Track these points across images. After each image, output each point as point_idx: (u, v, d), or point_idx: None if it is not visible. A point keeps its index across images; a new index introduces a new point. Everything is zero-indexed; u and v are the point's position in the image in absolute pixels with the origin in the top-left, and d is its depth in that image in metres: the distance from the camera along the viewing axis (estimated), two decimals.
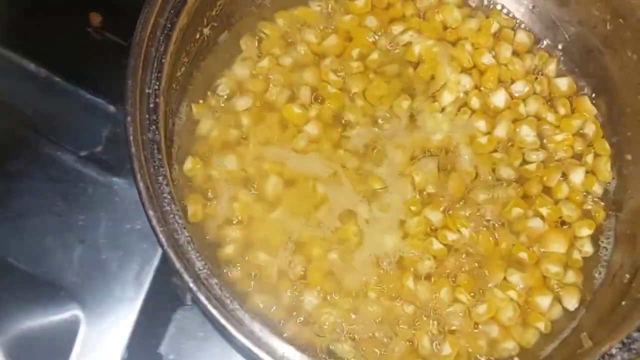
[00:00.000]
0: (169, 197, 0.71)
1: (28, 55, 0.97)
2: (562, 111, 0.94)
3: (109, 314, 0.89)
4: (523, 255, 0.86)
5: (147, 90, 0.75)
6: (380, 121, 0.92)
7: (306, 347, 0.81)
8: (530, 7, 0.98)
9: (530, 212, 0.88)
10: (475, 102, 0.93)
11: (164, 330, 0.92)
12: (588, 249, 0.88)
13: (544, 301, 0.85)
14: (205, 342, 0.92)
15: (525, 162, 0.91)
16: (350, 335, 0.83)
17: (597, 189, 0.91)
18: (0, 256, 0.89)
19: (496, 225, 0.88)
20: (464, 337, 0.83)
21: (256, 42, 0.95)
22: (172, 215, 0.70)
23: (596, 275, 0.88)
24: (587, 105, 0.94)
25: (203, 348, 0.92)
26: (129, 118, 0.72)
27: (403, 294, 0.84)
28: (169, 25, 0.78)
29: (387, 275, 0.85)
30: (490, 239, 0.87)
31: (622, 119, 0.92)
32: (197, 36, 0.88)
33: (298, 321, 0.83)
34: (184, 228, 0.70)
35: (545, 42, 0.98)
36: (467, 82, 0.94)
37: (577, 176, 0.90)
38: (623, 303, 0.80)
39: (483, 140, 0.91)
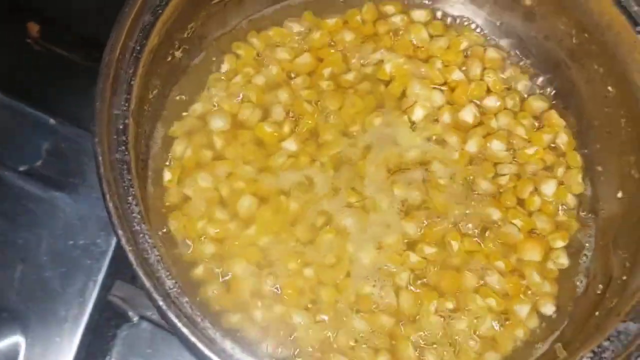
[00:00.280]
0: (139, 216, 0.71)
1: None
2: (532, 125, 0.95)
3: (52, 334, 0.88)
4: (500, 264, 0.86)
5: (115, 112, 0.75)
6: (354, 138, 0.92)
7: None
8: (498, 24, 0.99)
9: (506, 222, 0.89)
10: (446, 118, 0.94)
11: (110, 348, 0.91)
12: (563, 260, 0.89)
13: (522, 310, 0.85)
14: (153, 358, 0.91)
15: (497, 175, 0.92)
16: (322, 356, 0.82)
17: (571, 201, 0.92)
18: None
19: (474, 235, 0.88)
20: (446, 349, 0.83)
21: (229, 63, 0.96)
22: (141, 235, 0.70)
23: (578, 284, 0.88)
24: (557, 118, 0.95)
25: None
26: (96, 139, 0.72)
27: (382, 308, 0.84)
28: (138, 48, 0.78)
29: (365, 289, 0.85)
30: (468, 249, 0.87)
31: (591, 131, 0.93)
32: (169, 59, 0.89)
33: (274, 339, 0.83)
34: (154, 247, 0.70)
35: (515, 58, 0.99)
36: (438, 98, 0.94)
37: (549, 188, 0.91)
38: (597, 313, 0.80)
39: (455, 155, 0.92)
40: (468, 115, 0.94)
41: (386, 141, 0.92)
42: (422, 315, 0.84)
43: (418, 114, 0.93)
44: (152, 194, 0.87)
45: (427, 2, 1.01)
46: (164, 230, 0.86)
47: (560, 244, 0.89)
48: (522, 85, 0.97)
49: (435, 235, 0.87)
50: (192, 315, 0.68)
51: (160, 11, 0.81)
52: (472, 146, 0.92)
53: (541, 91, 0.97)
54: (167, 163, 0.90)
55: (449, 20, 1.02)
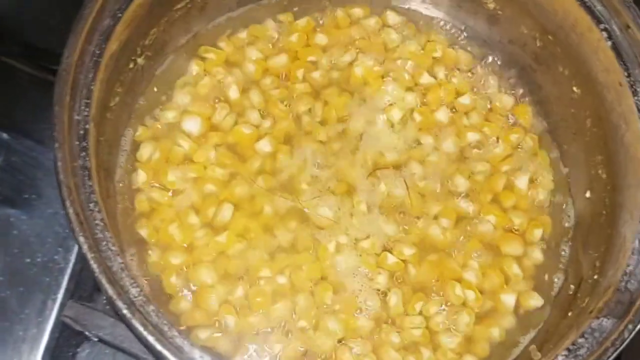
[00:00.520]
0: (102, 224, 0.69)
1: None
2: (502, 125, 0.95)
3: (10, 356, 0.85)
4: (477, 260, 0.87)
5: (76, 117, 0.73)
6: (330, 140, 0.92)
7: None
8: (463, 28, 1.00)
9: (482, 219, 0.89)
10: (420, 119, 0.93)
11: None
12: (537, 255, 0.89)
13: (508, 299, 0.85)
14: None
15: (472, 173, 0.91)
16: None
17: (542, 199, 0.92)
18: None
19: (451, 230, 0.88)
20: (427, 349, 0.82)
21: (198, 67, 0.94)
22: (104, 243, 0.68)
23: (555, 280, 0.88)
24: (526, 118, 0.95)
25: None
26: (57, 144, 0.70)
27: (361, 310, 0.83)
28: (98, 52, 0.76)
29: (342, 294, 0.84)
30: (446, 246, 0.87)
31: (558, 132, 0.94)
32: (131, 66, 0.87)
33: (249, 350, 0.81)
34: (118, 255, 0.68)
35: (484, 61, 0.99)
36: (411, 99, 0.94)
37: (522, 183, 0.91)
38: (570, 314, 0.80)
39: (433, 156, 0.91)
40: (442, 116, 0.94)
41: (362, 143, 0.92)
42: (401, 315, 0.83)
43: (393, 115, 0.93)
44: (120, 202, 0.86)
45: (394, 3, 1.01)
46: (134, 238, 0.85)
47: (536, 236, 0.89)
48: (491, 86, 0.97)
49: (414, 234, 0.87)
50: (159, 323, 0.66)
51: (120, 15, 0.79)
52: (447, 145, 0.92)
53: (510, 92, 0.97)
54: (133, 167, 0.88)
55: (420, 22, 1.01)
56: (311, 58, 0.96)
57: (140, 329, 0.64)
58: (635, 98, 0.78)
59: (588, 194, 0.88)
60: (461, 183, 0.90)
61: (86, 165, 0.71)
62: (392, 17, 1.00)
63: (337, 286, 0.84)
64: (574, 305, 0.81)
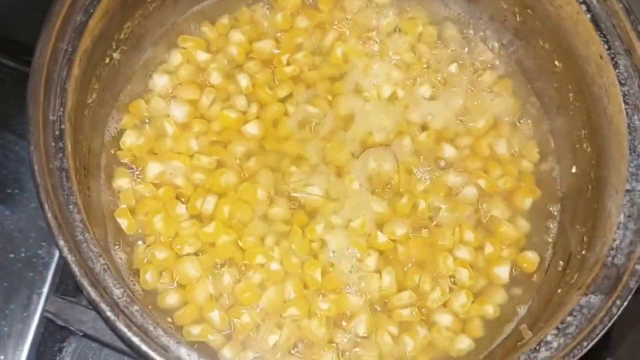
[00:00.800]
0: (82, 225, 0.68)
1: None
2: (486, 98, 0.94)
3: None
4: (470, 235, 0.86)
5: (51, 117, 0.72)
6: (317, 120, 0.91)
7: None
8: (444, 6, 0.98)
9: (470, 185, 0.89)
10: (405, 95, 0.93)
11: None
12: (522, 224, 0.89)
13: (502, 271, 0.85)
14: None
15: (458, 146, 0.91)
16: (298, 352, 0.81)
17: (528, 172, 0.92)
18: None
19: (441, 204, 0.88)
20: (421, 330, 0.82)
21: (181, 55, 0.93)
22: (85, 244, 0.67)
23: (547, 256, 0.88)
24: (509, 92, 0.95)
25: None
26: (32, 146, 0.69)
27: (354, 293, 0.83)
28: (70, 49, 0.75)
29: (333, 274, 0.83)
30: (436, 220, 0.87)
31: (542, 108, 0.93)
32: (107, 61, 0.86)
33: (239, 345, 0.81)
34: (99, 256, 0.67)
35: (465, 38, 0.98)
36: (396, 75, 0.94)
37: (501, 148, 0.91)
38: (559, 291, 0.80)
39: (422, 136, 0.91)
40: (426, 91, 0.93)
41: (351, 121, 0.91)
42: (394, 294, 0.83)
43: (381, 92, 0.92)
44: (103, 199, 0.85)
45: None
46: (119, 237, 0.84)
47: (526, 205, 0.89)
48: (473, 61, 0.96)
49: (405, 212, 0.86)
50: (144, 323, 0.65)
51: (92, 10, 0.77)
52: (435, 122, 0.92)
53: (492, 68, 0.96)
54: (116, 162, 0.87)
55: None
56: (297, 40, 0.95)
57: (125, 330, 0.64)
58: (617, 70, 0.77)
59: (574, 169, 0.87)
60: (449, 154, 0.90)
61: (63, 166, 0.70)
62: None
63: (327, 266, 0.83)
64: (563, 281, 0.80)
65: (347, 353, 0.81)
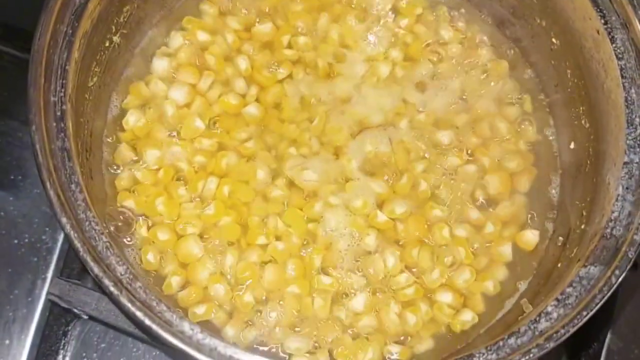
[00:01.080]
0: (84, 204, 0.69)
1: None
2: (485, 77, 0.94)
3: (1, 337, 0.87)
4: (475, 213, 0.87)
5: (52, 99, 0.72)
6: (317, 101, 0.91)
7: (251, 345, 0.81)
8: None
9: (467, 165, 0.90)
10: (404, 75, 0.93)
11: (64, 345, 0.90)
12: (522, 201, 0.89)
13: (504, 249, 0.86)
14: (108, 353, 0.90)
15: (456, 126, 0.92)
16: (298, 329, 0.81)
17: (527, 149, 0.92)
18: None
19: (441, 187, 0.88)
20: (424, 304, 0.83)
21: (182, 37, 0.93)
22: (87, 222, 0.68)
23: (547, 232, 0.89)
24: (505, 71, 0.95)
25: (106, 359, 0.90)
26: (33, 127, 0.69)
27: (356, 271, 0.84)
28: (70, 31, 0.75)
29: (336, 254, 0.84)
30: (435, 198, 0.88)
31: (540, 86, 0.93)
32: (107, 44, 0.86)
33: (242, 323, 0.82)
34: (102, 234, 0.68)
35: (462, 18, 0.98)
36: (396, 54, 0.94)
37: (500, 127, 0.91)
38: (559, 265, 0.80)
39: (421, 116, 0.91)
40: (425, 70, 0.94)
41: (349, 102, 0.92)
42: (395, 274, 0.83)
43: (379, 71, 0.93)
44: (105, 181, 0.86)
45: None
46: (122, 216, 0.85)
47: (525, 182, 0.89)
48: (472, 42, 0.97)
49: (403, 191, 0.87)
50: (147, 299, 0.66)
51: None
52: (433, 102, 0.92)
53: (490, 47, 0.97)
54: (118, 146, 0.88)
55: None
56: (298, 23, 0.95)
57: (129, 305, 0.64)
58: (614, 45, 0.77)
59: (572, 145, 0.88)
60: (447, 133, 0.90)
61: (65, 146, 0.71)
62: None
63: (326, 246, 0.84)
64: (563, 256, 0.81)
65: (349, 330, 0.81)
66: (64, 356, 0.90)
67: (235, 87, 0.91)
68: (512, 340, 0.66)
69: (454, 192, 0.88)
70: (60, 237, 0.91)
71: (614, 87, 0.77)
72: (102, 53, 0.85)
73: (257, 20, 0.96)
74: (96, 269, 0.65)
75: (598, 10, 0.78)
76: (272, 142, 0.89)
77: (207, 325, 0.80)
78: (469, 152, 0.90)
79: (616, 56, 0.77)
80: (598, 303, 0.67)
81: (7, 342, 0.87)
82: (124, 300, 0.64)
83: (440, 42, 0.95)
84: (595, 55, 0.80)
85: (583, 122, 0.85)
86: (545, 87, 0.93)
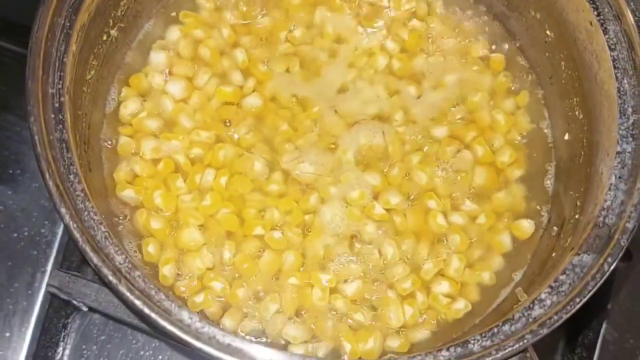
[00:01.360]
0: (82, 194, 0.69)
1: None
2: (480, 70, 0.95)
3: (1, 330, 0.87)
4: (471, 204, 0.88)
5: (50, 90, 0.73)
6: (314, 93, 0.92)
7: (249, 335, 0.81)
8: None
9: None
10: (401, 67, 0.94)
11: (64, 338, 0.91)
12: (517, 192, 0.90)
13: (503, 239, 0.87)
14: (108, 345, 0.91)
15: (452, 118, 0.92)
16: (298, 319, 0.82)
17: (522, 141, 0.93)
18: None
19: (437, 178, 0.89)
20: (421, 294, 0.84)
21: (179, 30, 0.94)
22: (86, 213, 0.69)
23: (542, 222, 0.89)
24: (501, 65, 0.96)
25: (106, 351, 0.91)
26: (32, 118, 0.70)
27: (354, 263, 0.85)
28: (68, 24, 0.76)
29: (333, 247, 0.85)
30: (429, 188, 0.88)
31: (535, 78, 0.94)
32: (105, 38, 0.87)
33: (240, 314, 0.82)
34: (100, 224, 0.68)
35: (456, 12, 0.99)
36: (392, 47, 0.95)
37: (495, 119, 0.92)
38: (553, 254, 0.81)
39: (416, 108, 0.92)
40: (420, 62, 0.95)
41: (345, 94, 0.93)
42: (393, 264, 0.84)
43: (376, 63, 0.94)
44: (104, 174, 0.87)
45: None
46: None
47: (517, 174, 0.90)
48: (466, 35, 0.97)
49: (397, 182, 0.87)
50: (146, 288, 0.67)
51: None
52: (429, 96, 0.93)
53: (485, 40, 0.97)
54: (116, 138, 0.89)
55: None
56: (295, 16, 0.96)
57: (127, 294, 0.65)
58: (606, 36, 0.78)
59: (567, 136, 0.88)
60: (443, 125, 0.91)
61: (63, 137, 0.71)
62: None
63: (326, 240, 0.85)
64: (557, 245, 0.82)
65: (348, 320, 0.82)
66: (64, 348, 0.91)
67: (233, 80, 0.92)
68: (506, 327, 0.67)
69: (449, 183, 0.88)
70: (60, 231, 0.92)
71: (607, 78, 0.78)
72: (100, 46, 0.86)
73: (255, 13, 0.96)
74: (95, 259, 0.65)
75: (591, 2, 0.79)
76: (268, 134, 0.90)
77: (204, 316, 0.81)
78: (464, 143, 0.90)
79: (609, 47, 0.78)
80: (591, 290, 0.68)
81: (7, 334, 0.88)
82: (122, 289, 0.65)
83: (435, 35, 0.96)
84: (588, 47, 0.81)
85: (577, 113, 0.86)
86: (540, 79, 0.94)
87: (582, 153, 0.84)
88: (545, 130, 0.93)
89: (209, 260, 0.83)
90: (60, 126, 0.72)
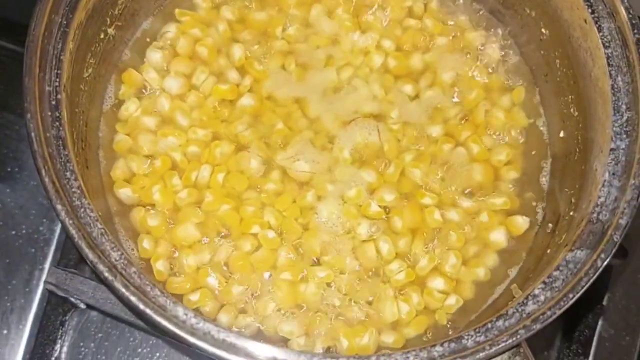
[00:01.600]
0: (79, 191, 0.70)
1: None
2: (475, 68, 0.95)
3: None
4: (466, 201, 0.88)
5: (47, 88, 0.73)
6: (309, 91, 0.92)
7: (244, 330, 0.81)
8: None
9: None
10: (397, 65, 0.94)
11: (61, 336, 0.91)
12: (513, 189, 0.90)
13: (497, 236, 0.87)
14: (105, 342, 0.91)
15: (447, 119, 0.93)
16: (293, 314, 0.82)
17: (517, 138, 0.93)
18: None
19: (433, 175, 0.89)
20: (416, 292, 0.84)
21: (176, 28, 0.94)
22: (82, 209, 0.69)
23: (537, 219, 0.90)
24: (496, 62, 0.96)
25: (103, 349, 0.91)
26: (28, 115, 0.71)
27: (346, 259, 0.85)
28: (65, 22, 0.76)
29: (330, 244, 0.85)
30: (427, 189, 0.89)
31: (530, 76, 0.95)
32: (102, 36, 0.87)
33: (235, 310, 0.82)
34: (97, 221, 0.69)
35: (454, 8, 0.99)
36: (388, 44, 0.95)
37: (491, 117, 0.92)
38: (548, 251, 0.81)
39: (412, 105, 0.93)
40: (417, 60, 0.95)
41: (339, 93, 0.93)
42: (389, 261, 0.85)
43: (372, 62, 0.94)
44: (102, 172, 0.87)
45: None
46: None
47: (513, 171, 0.90)
48: (463, 33, 0.97)
49: (393, 179, 0.88)
50: (142, 284, 0.67)
51: None
52: (428, 93, 0.93)
53: (480, 39, 0.97)
54: (113, 136, 0.89)
55: None
56: (290, 13, 0.96)
57: (123, 290, 0.65)
58: (600, 34, 0.78)
59: (562, 134, 0.89)
60: (439, 123, 0.92)
61: (60, 135, 0.72)
62: None
63: (319, 235, 0.85)
64: (552, 242, 0.82)
65: (340, 317, 0.82)
66: (62, 346, 0.91)
67: (229, 79, 0.92)
68: (500, 322, 0.68)
69: (445, 179, 0.89)
70: (57, 229, 0.93)
71: (601, 75, 0.78)
72: (97, 45, 0.86)
73: (250, 9, 0.97)
74: (91, 255, 0.66)
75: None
76: (265, 132, 0.90)
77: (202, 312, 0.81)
78: (459, 141, 0.91)
79: (603, 45, 0.78)
80: (584, 286, 0.68)
81: (5, 332, 0.89)
82: (118, 286, 0.65)
83: (430, 33, 0.96)
84: (583, 45, 0.81)
85: (572, 110, 0.86)
86: (535, 77, 0.94)
87: (577, 150, 0.84)
88: (541, 128, 0.94)
89: (205, 257, 0.83)
90: (57, 123, 0.72)
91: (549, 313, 0.67)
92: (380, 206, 0.86)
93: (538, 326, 0.67)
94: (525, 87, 0.95)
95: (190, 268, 0.83)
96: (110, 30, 0.88)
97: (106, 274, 0.66)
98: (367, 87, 0.93)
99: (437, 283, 0.84)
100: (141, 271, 0.67)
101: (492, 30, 0.97)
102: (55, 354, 0.91)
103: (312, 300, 0.82)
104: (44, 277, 0.90)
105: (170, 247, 0.84)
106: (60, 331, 0.92)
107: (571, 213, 0.80)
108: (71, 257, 0.91)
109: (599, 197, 0.73)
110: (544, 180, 0.91)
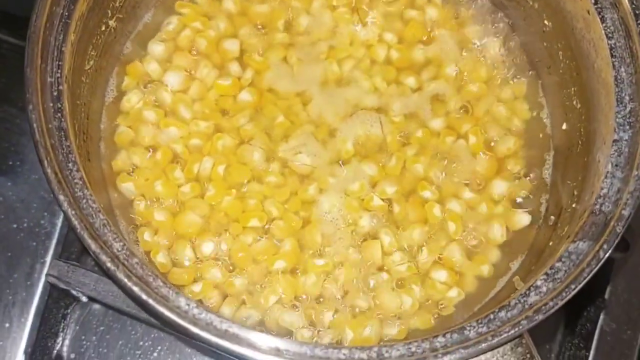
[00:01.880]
0: (81, 182, 0.70)
1: None
2: (478, 60, 0.95)
3: (1, 320, 0.88)
4: (468, 194, 0.88)
5: (49, 79, 0.73)
6: (311, 83, 0.92)
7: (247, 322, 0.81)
8: None
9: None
10: (399, 57, 0.94)
11: (63, 328, 0.91)
12: (515, 182, 0.90)
13: (496, 231, 0.87)
14: (107, 335, 0.91)
15: (450, 108, 0.92)
16: (296, 305, 0.83)
17: (520, 130, 0.93)
18: None
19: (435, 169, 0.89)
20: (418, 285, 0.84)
21: (178, 21, 0.94)
22: (85, 200, 0.69)
23: (539, 212, 0.90)
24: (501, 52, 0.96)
25: (105, 342, 0.91)
26: (30, 106, 0.70)
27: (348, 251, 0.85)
28: (66, 14, 0.76)
29: (330, 236, 0.85)
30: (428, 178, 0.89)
31: (533, 68, 0.94)
32: (103, 28, 0.87)
33: (238, 302, 0.83)
34: (99, 212, 0.69)
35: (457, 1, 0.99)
36: (390, 37, 0.95)
37: (494, 109, 0.92)
38: (550, 244, 0.81)
39: (414, 97, 0.92)
40: (419, 53, 0.94)
41: (341, 86, 0.93)
42: (390, 253, 0.85)
43: (373, 55, 0.94)
44: (103, 165, 0.87)
45: None
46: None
47: (516, 163, 0.90)
48: (464, 24, 0.97)
49: (395, 173, 0.88)
50: (144, 275, 0.67)
51: None
52: (430, 86, 0.93)
53: (483, 31, 0.97)
54: (114, 129, 0.89)
55: None
56: (295, 3, 0.96)
57: (125, 280, 0.65)
58: (604, 25, 0.78)
59: (564, 126, 0.89)
60: (441, 114, 0.92)
61: (62, 126, 0.72)
62: None
63: (321, 229, 0.85)
64: (554, 235, 0.82)
65: (344, 307, 0.82)
66: (64, 339, 0.91)
67: (230, 71, 0.92)
68: (502, 313, 0.68)
69: (447, 172, 0.89)
70: (59, 222, 0.93)
71: (604, 66, 0.78)
72: (99, 37, 0.86)
73: (252, 1, 0.96)
74: (93, 246, 0.66)
75: None
76: (266, 125, 0.90)
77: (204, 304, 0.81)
78: (462, 133, 0.90)
79: (606, 36, 0.78)
80: (586, 277, 0.68)
81: (7, 325, 0.89)
82: (120, 276, 0.65)
83: (433, 25, 0.96)
84: (586, 36, 0.81)
85: (575, 102, 0.86)
86: (538, 69, 0.94)
87: (580, 142, 0.84)
88: (545, 120, 0.94)
89: (207, 249, 0.83)
90: (59, 114, 0.72)
91: (551, 304, 0.67)
92: (382, 199, 0.86)
93: (540, 317, 0.67)
94: (527, 79, 0.94)
95: (192, 260, 0.83)
96: (112, 23, 0.88)
97: (109, 265, 0.66)
98: (369, 80, 0.93)
99: (440, 275, 0.84)
100: (143, 262, 0.67)
101: (495, 22, 0.97)
102: (57, 347, 0.91)
103: (313, 291, 0.82)
104: (45, 271, 0.90)
105: (171, 239, 0.84)
106: (62, 324, 0.92)
107: (574, 205, 0.80)
108: (73, 250, 0.90)
109: (602, 189, 0.73)
110: (547, 172, 0.91)
